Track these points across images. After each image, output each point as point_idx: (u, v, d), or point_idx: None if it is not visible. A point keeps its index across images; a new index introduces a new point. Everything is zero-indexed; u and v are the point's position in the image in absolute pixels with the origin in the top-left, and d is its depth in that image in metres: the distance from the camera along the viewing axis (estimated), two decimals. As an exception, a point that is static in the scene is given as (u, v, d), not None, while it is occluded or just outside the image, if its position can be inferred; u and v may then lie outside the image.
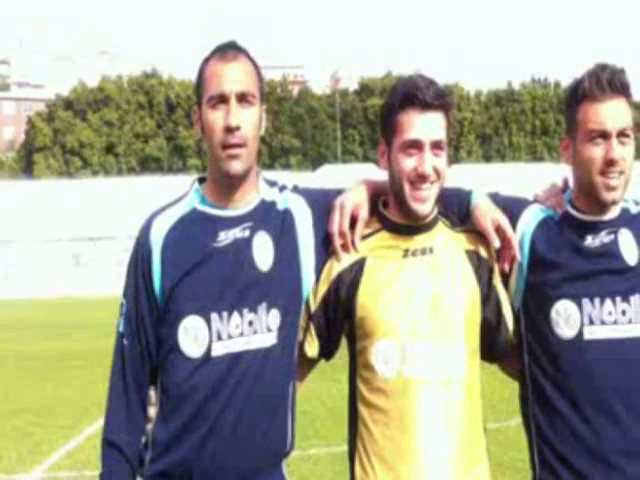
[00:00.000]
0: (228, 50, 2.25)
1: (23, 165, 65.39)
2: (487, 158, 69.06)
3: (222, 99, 2.20)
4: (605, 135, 2.31)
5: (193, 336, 2.20)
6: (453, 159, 63.40)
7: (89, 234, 35.73)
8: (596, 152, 2.32)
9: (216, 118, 2.20)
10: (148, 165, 62.12)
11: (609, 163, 2.30)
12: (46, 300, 27.69)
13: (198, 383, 2.19)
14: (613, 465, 2.31)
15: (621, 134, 2.31)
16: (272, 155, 69.80)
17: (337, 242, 2.37)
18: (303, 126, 70.76)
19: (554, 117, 71.69)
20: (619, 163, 2.30)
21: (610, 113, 2.31)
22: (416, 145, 2.28)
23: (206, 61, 2.26)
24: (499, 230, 2.36)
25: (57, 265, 35.85)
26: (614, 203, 2.37)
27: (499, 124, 71.65)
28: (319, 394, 8.39)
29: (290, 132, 68.94)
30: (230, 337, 2.20)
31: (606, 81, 2.31)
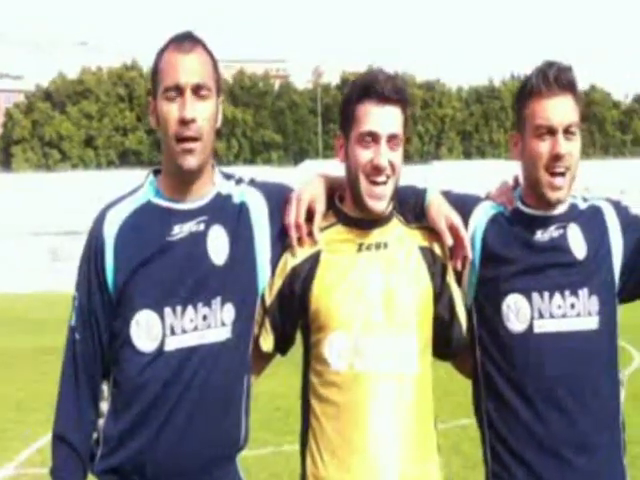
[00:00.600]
0: (184, 41, 2.22)
1: (1, 157, 64.72)
2: (468, 155, 69.34)
3: (177, 91, 2.18)
4: (552, 131, 2.34)
5: (146, 330, 2.19)
6: (434, 155, 63.64)
7: (67, 228, 35.43)
8: (543, 147, 2.35)
9: (171, 110, 2.19)
10: (128, 158, 61.75)
11: (555, 158, 2.33)
12: (23, 295, 27.43)
13: (150, 378, 2.18)
14: (563, 458, 2.34)
15: (567, 130, 2.35)
16: (253, 150, 69.64)
17: (293, 235, 2.37)
18: (284, 121, 70.64)
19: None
20: (565, 158, 2.33)
21: (556, 109, 2.34)
22: (372, 137, 2.29)
23: (162, 51, 2.24)
24: (452, 228, 2.38)
25: (34, 260, 35.54)
26: (558, 202, 2.40)
27: (479, 121, 71.91)
28: (294, 390, 8.34)
29: (272, 127, 68.84)
30: (184, 332, 2.20)
31: (553, 78, 2.34)
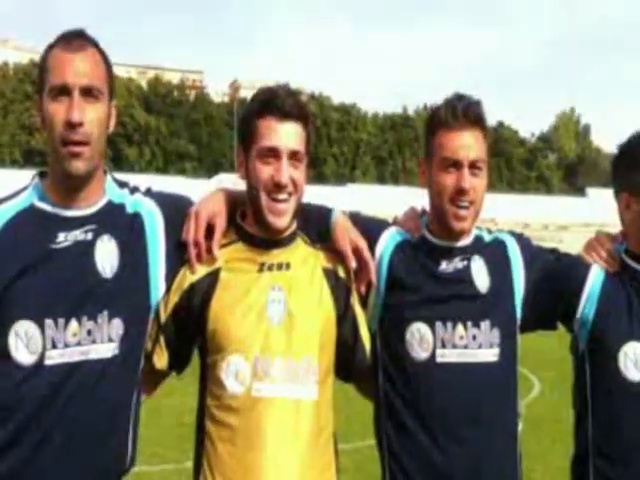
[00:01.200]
0: (74, 39, 2.10)
1: None
2: (382, 179, 70.52)
3: (64, 91, 2.05)
4: (457, 165, 2.34)
5: (25, 342, 2.03)
6: (349, 178, 64.42)
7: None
8: (448, 180, 2.35)
9: (57, 111, 2.05)
10: (33, 158, 59.54)
11: (459, 192, 2.33)
12: None
13: (28, 393, 2.03)
14: None
15: (473, 165, 2.35)
16: (167, 159, 68.58)
17: (191, 251, 2.27)
18: (199, 132, 69.98)
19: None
20: (469, 193, 2.34)
21: (463, 143, 2.34)
22: (273, 153, 2.23)
23: (50, 48, 2.11)
24: (357, 252, 2.34)
25: None
26: (462, 232, 2.41)
27: (393, 148, 73.45)
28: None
29: (186, 137, 68.03)
30: (67, 346, 2.06)
31: (461, 112, 2.35)
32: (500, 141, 78.13)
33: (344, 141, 72.96)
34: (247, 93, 78.41)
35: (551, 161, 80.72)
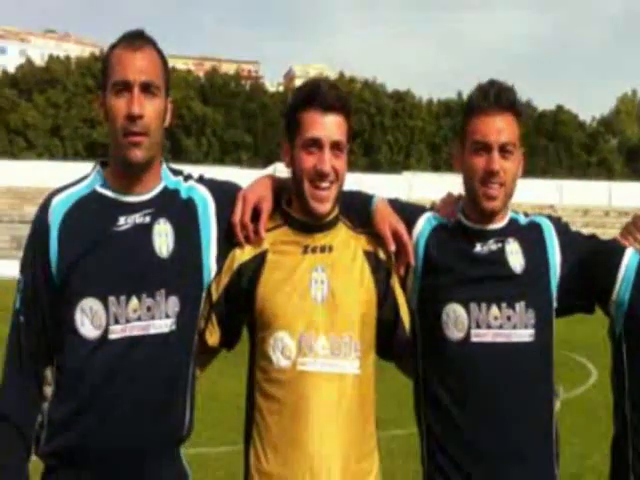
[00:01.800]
0: (135, 39, 2.28)
1: (-36, 142, 63.49)
2: (436, 167, 69.94)
3: (126, 87, 2.23)
4: (488, 148, 2.43)
5: (90, 318, 2.22)
6: (403, 166, 64.02)
7: (31, 217, 34.82)
8: (479, 163, 2.45)
9: (119, 105, 2.23)
10: (95, 150, 61.00)
11: (489, 174, 2.42)
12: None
13: (94, 365, 2.21)
14: (496, 466, 2.42)
15: (503, 148, 2.44)
16: (223, 150, 69.33)
17: (239, 233, 2.42)
18: (255, 122, 70.47)
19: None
20: (499, 174, 2.43)
21: (494, 127, 2.43)
22: (316, 144, 2.36)
23: (113, 47, 2.29)
24: (396, 235, 2.46)
25: (-3, 247, 34.93)
26: (494, 212, 2.49)
27: (448, 134, 72.72)
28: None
29: (242, 127, 68.62)
30: (128, 321, 2.23)
31: (493, 97, 2.44)
32: (559, 125, 76.43)
33: (398, 129, 72.50)
34: (302, 82, 78.56)
35: (612, 145, 78.58)
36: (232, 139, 68.84)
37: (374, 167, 62.81)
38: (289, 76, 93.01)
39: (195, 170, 2.68)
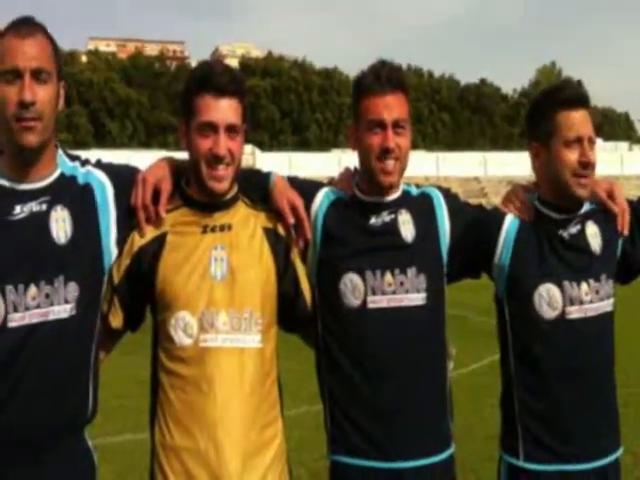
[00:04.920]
0: (23, 25, 2.27)
1: None
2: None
3: (16, 74, 2.23)
4: (382, 125, 2.55)
5: None
6: (332, 144, 64.14)
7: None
8: (374, 140, 2.56)
9: (10, 92, 2.23)
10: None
11: (385, 151, 2.54)
12: None
13: None
14: (393, 424, 2.55)
15: (396, 125, 2.56)
16: (149, 132, 68.12)
17: (140, 215, 2.47)
18: (180, 107, 69.32)
19: (428, 106, 74.06)
20: (394, 151, 2.55)
21: (387, 106, 2.55)
22: (211, 127, 2.41)
23: (1, 36, 2.28)
24: (294, 209, 2.55)
25: None
26: (391, 187, 2.62)
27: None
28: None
29: (167, 109, 67.50)
30: (27, 309, 2.25)
31: (385, 77, 2.56)
32: (482, 98, 77.92)
33: (327, 106, 72.64)
34: (230, 61, 77.74)
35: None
36: (158, 121, 67.67)
37: (304, 145, 62.85)
38: (216, 55, 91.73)
39: (121, 155, 2.69)
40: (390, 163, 2.55)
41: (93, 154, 2.58)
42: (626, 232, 2.68)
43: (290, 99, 72.02)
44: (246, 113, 2.50)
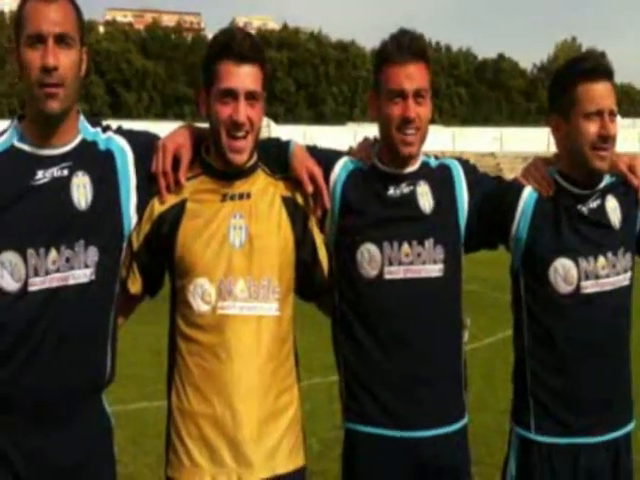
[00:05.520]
0: None
1: None
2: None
3: (40, 39, 2.23)
4: (403, 95, 2.53)
5: (9, 271, 2.25)
6: (348, 117, 63.74)
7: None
8: (395, 110, 2.54)
9: (33, 57, 2.23)
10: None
11: (406, 120, 2.53)
12: None
13: (15, 316, 2.25)
14: (408, 390, 2.58)
15: (417, 94, 2.54)
16: (165, 103, 68.01)
17: (160, 182, 2.48)
18: (198, 75, 69.09)
19: (445, 80, 73.31)
20: (415, 121, 2.54)
21: (407, 75, 2.53)
22: (231, 94, 2.41)
23: (26, 0, 2.28)
24: (312, 178, 2.55)
25: None
26: (411, 157, 2.61)
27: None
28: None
29: (184, 81, 67.31)
30: (47, 273, 2.27)
31: (406, 46, 2.54)
32: (500, 73, 77.01)
33: (343, 79, 72.12)
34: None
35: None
36: (174, 93, 67.52)
37: (319, 119, 62.52)
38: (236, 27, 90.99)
39: (137, 126, 2.70)
40: (410, 134, 2.54)
41: (114, 125, 2.58)
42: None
43: (306, 72, 71.55)
44: (266, 81, 2.49)
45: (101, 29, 74.37)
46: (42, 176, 2.30)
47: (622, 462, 2.64)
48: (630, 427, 2.68)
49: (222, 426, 2.41)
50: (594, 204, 2.63)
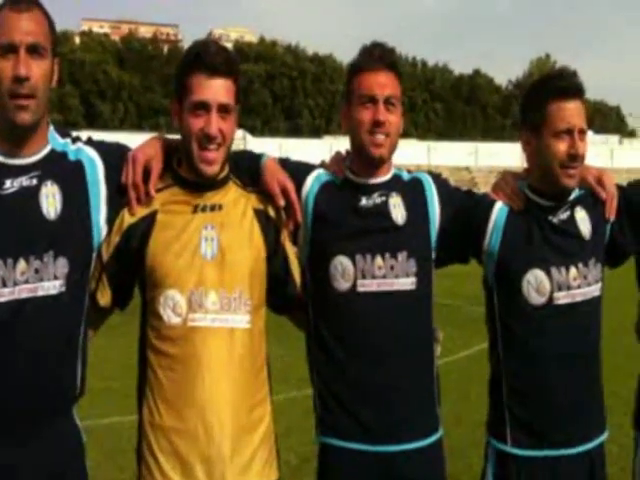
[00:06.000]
0: (21, 1, 2.25)
1: None
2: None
3: (12, 49, 2.21)
4: (373, 100, 2.56)
5: None
6: (324, 130, 63.99)
7: None
8: (365, 114, 2.57)
9: (5, 67, 2.21)
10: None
11: (376, 124, 2.55)
12: None
13: None
14: (380, 404, 2.56)
15: (388, 102, 2.57)
16: (141, 115, 67.75)
17: (130, 194, 2.45)
18: (173, 86, 68.97)
19: (421, 95, 73.97)
20: (385, 125, 2.56)
21: (378, 82, 2.57)
22: (203, 107, 2.40)
23: None
24: (284, 191, 2.54)
25: None
26: (382, 160, 2.62)
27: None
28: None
29: (160, 92, 67.12)
30: (15, 284, 2.23)
31: (377, 56, 2.58)
32: (476, 89, 77.85)
33: (319, 93, 72.41)
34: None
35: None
36: (150, 104, 67.30)
37: (295, 132, 62.66)
38: (209, 38, 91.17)
39: (113, 137, 2.67)
40: (380, 137, 2.56)
41: (84, 136, 2.55)
42: (613, 217, 2.68)
43: (283, 84, 71.75)
44: (239, 94, 2.49)
45: (77, 39, 74.00)
46: (10, 185, 2.27)
47: (598, 473, 2.65)
48: (603, 437, 2.70)
49: (194, 441, 2.37)
50: (564, 215, 2.65)
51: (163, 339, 2.42)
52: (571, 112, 2.55)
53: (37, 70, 2.23)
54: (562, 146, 2.55)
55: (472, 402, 6.66)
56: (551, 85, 2.60)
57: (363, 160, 2.62)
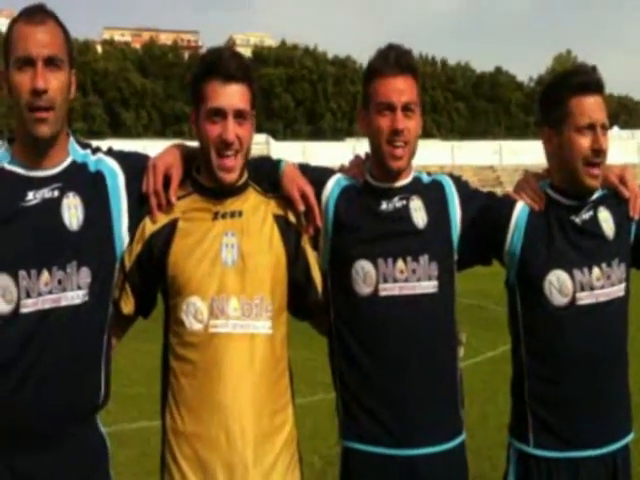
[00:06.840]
0: (36, 13, 2.28)
1: None
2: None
3: (29, 62, 2.23)
4: (391, 107, 2.54)
5: (1, 293, 2.23)
6: (346, 133, 63.97)
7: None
8: (383, 122, 2.55)
9: (23, 80, 2.24)
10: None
11: (394, 133, 2.53)
12: None
13: (7, 339, 2.23)
14: (403, 408, 2.55)
15: (406, 108, 2.54)
16: (164, 121, 68.30)
17: (151, 202, 2.47)
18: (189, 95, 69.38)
19: (442, 94, 73.66)
20: (403, 133, 2.53)
21: (396, 88, 2.54)
22: (220, 113, 2.41)
23: (13, 22, 2.29)
24: (304, 197, 2.55)
25: None
26: (400, 171, 2.60)
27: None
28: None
29: (182, 98, 67.58)
30: (39, 294, 2.26)
31: (393, 59, 2.55)
32: (498, 87, 77.33)
33: (341, 95, 72.44)
34: (243, 50, 77.72)
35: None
36: (172, 111, 67.79)
37: (318, 134, 62.71)
38: (229, 45, 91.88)
39: (137, 145, 2.69)
40: (399, 146, 2.54)
41: (109, 144, 2.58)
42: (637, 216, 2.65)
43: (304, 88, 71.88)
44: (255, 99, 2.50)
45: (99, 48, 74.79)
46: (33, 197, 2.30)
47: (621, 475, 2.61)
48: (628, 439, 2.66)
49: (216, 447, 2.38)
50: (587, 215, 2.62)
51: (185, 345, 2.44)
52: (592, 107, 2.53)
53: (55, 82, 2.25)
54: (585, 141, 2.52)
55: (499, 403, 6.60)
56: (571, 81, 2.58)
57: (382, 168, 2.61)
